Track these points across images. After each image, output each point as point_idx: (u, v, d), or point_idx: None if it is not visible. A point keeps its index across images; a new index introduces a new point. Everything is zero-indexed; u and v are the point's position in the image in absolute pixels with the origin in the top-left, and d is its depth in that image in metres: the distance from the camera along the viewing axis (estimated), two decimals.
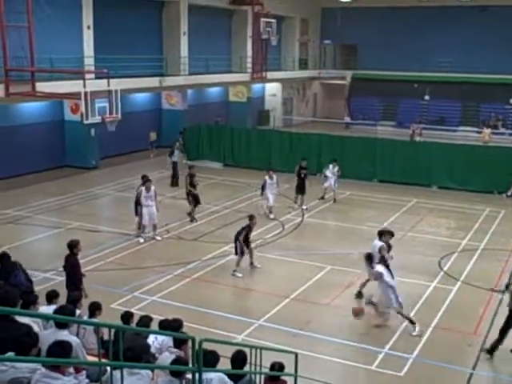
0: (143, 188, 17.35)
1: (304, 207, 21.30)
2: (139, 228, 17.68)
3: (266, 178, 20.13)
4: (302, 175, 21.61)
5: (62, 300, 9.20)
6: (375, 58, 42.28)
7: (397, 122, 41.54)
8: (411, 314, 12.79)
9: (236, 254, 15.03)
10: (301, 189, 21.52)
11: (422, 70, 40.60)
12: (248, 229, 15.22)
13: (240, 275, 14.85)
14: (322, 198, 22.78)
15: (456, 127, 39.82)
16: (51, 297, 8.52)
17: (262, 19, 35.52)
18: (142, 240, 17.32)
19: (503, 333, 11.18)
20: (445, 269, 15.75)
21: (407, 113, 41.48)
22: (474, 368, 10.89)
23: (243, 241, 15.03)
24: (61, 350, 5.10)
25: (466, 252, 17.12)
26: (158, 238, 17.65)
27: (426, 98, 42.29)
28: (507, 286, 12.48)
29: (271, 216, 19.90)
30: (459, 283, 14.80)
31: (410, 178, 24.91)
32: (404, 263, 16.05)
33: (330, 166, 22.80)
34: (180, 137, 30.31)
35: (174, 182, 24.26)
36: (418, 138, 33.93)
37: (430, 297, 13.99)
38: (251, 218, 15.38)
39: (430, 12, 41.27)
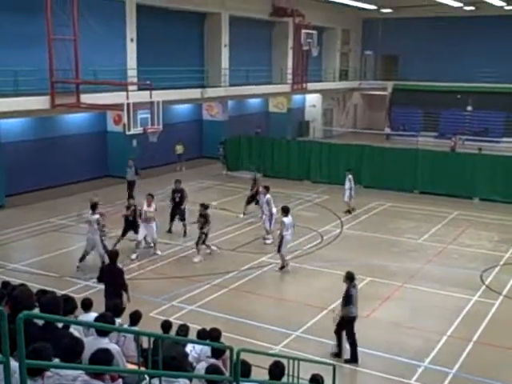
0: (145, 201, 17.13)
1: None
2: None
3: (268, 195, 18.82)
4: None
5: (99, 308, 9.35)
6: (416, 69, 41.92)
7: (438, 133, 41.04)
8: (452, 328, 12.63)
9: None
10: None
11: (464, 80, 40.05)
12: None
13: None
14: (349, 211, 22.07)
15: (499, 138, 39.12)
16: (86, 305, 8.63)
17: (303, 30, 35.65)
18: (133, 256, 16.76)
19: None
20: (486, 282, 15.47)
21: (449, 124, 40.95)
22: None
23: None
24: (105, 357, 5.21)
25: (508, 266, 16.79)
26: (159, 252, 17.22)
27: (469, 108, 41.69)
28: None
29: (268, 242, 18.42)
30: (501, 297, 14.52)
31: (452, 190, 24.58)
32: (444, 276, 15.88)
33: (349, 176, 22.18)
34: (221, 147, 30.58)
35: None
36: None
37: (471, 311, 13.75)
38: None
39: (472, 22, 40.72)
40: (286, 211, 15.92)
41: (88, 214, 16.06)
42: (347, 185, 22.17)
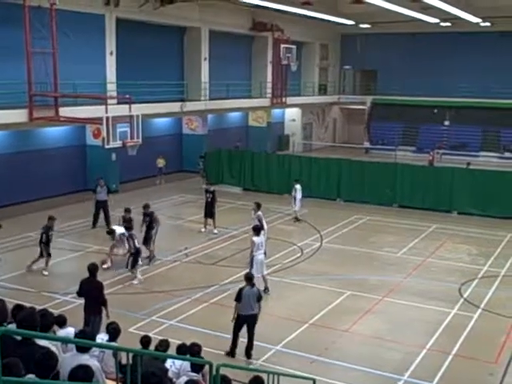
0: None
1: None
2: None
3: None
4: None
5: (79, 323, 9.24)
6: (395, 83, 42.35)
7: (417, 147, 41.45)
8: (431, 341, 12.69)
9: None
10: None
11: (441, 95, 40.60)
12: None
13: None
14: (297, 218, 23.00)
15: (477, 152, 39.60)
16: (60, 322, 8.47)
17: (282, 45, 35.91)
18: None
19: None
20: (465, 296, 15.58)
21: (427, 138, 41.38)
22: None
23: None
24: (84, 374, 5.13)
25: (486, 279, 16.93)
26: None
27: (446, 123, 42.20)
28: None
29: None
30: (480, 310, 14.62)
31: (430, 204, 24.79)
32: (424, 289, 15.97)
33: (297, 186, 23.07)
34: (201, 161, 30.56)
35: (96, 222, 21.36)
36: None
37: (450, 324, 13.83)
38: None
39: (450, 38, 41.32)
40: (256, 230, 15.53)
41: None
42: (298, 195, 22.90)
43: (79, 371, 5.12)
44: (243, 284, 12.15)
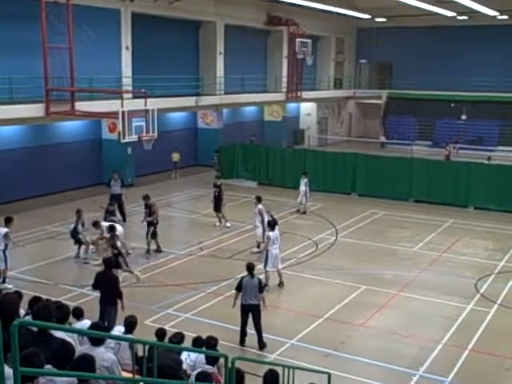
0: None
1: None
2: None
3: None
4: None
5: (94, 316, 9.30)
6: (411, 78, 42.07)
7: (433, 141, 41.18)
8: (447, 336, 12.64)
9: None
10: None
11: (458, 89, 40.20)
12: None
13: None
14: (298, 211, 23.22)
15: (494, 147, 39.25)
16: (77, 314, 8.55)
17: (298, 39, 35.81)
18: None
19: None
20: (481, 291, 15.47)
21: (443, 132, 41.08)
22: None
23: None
24: (87, 363, 5.14)
25: (503, 274, 16.80)
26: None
27: (463, 117, 41.85)
28: None
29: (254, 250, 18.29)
30: (496, 306, 14.52)
31: (447, 199, 24.63)
32: (439, 284, 15.89)
33: (301, 180, 23.23)
34: (215, 155, 30.59)
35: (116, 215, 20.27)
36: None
37: (466, 319, 13.75)
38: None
39: (467, 31, 40.97)
40: (272, 226, 15.65)
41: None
42: (303, 187, 22.98)
43: (82, 362, 5.11)
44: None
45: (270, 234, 15.37)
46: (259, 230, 18.14)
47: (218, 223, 21.13)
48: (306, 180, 23.13)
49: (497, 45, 40.41)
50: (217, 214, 21.16)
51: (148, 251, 17.94)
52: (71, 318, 7.58)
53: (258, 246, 18.12)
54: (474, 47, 41.22)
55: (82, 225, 17.47)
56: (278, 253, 15.58)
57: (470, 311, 14.21)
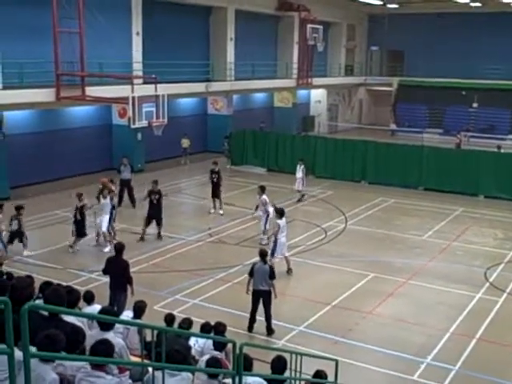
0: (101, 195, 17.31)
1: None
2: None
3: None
4: None
5: (104, 301, 9.36)
6: (422, 65, 41.80)
7: (444, 129, 40.93)
8: (455, 325, 12.64)
9: None
10: None
11: (470, 76, 39.86)
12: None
13: None
14: (300, 200, 23.00)
15: (505, 135, 38.97)
16: (88, 298, 8.62)
17: (309, 25, 35.61)
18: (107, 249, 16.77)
19: None
20: (490, 280, 15.44)
21: (454, 120, 40.78)
22: None
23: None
24: (105, 348, 5.22)
25: None
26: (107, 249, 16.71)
27: (475, 105, 41.54)
28: None
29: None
30: (505, 295, 14.49)
31: (457, 187, 24.51)
32: (448, 273, 15.87)
33: (297, 166, 23.16)
34: (226, 141, 30.55)
35: (121, 201, 20.99)
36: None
37: (475, 308, 13.74)
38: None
39: (479, 18, 40.57)
40: (280, 213, 15.62)
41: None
42: (300, 174, 22.89)
43: (99, 346, 5.20)
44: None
45: (279, 222, 15.39)
46: (263, 219, 18.00)
47: (212, 210, 21.03)
48: (302, 167, 23.05)
49: (509, 32, 40.00)
50: (214, 200, 20.99)
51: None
52: (81, 303, 7.64)
53: (264, 234, 18.00)
54: (486, 35, 40.79)
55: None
56: (285, 241, 15.61)
57: (478, 300, 14.19)
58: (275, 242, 15.35)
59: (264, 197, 18.01)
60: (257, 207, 18.49)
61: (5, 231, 15.49)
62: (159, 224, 17.95)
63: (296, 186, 23.10)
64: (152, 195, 17.85)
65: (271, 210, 17.53)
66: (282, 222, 15.46)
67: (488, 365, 11.22)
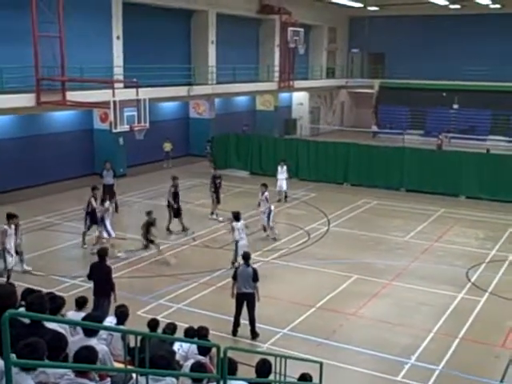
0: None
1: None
2: None
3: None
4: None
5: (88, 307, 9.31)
6: (403, 67, 42.06)
7: (425, 131, 41.25)
8: (438, 325, 12.73)
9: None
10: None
11: (450, 78, 40.24)
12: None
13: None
14: (279, 200, 23.25)
15: (486, 136, 39.35)
16: (80, 303, 8.57)
17: (290, 28, 35.70)
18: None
19: None
20: (472, 280, 15.58)
21: (436, 122, 41.15)
22: (501, 380, 10.74)
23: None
24: (88, 355, 5.19)
25: (494, 263, 16.90)
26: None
27: (455, 106, 41.92)
28: None
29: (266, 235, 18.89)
30: (487, 294, 14.63)
31: (438, 188, 24.71)
32: (431, 273, 15.98)
33: (279, 167, 23.49)
34: (208, 145, 30.52)
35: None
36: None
37: (458, 308, 13.85)
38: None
39: (459, 20, 40.94)
40: (235, 217, 15.92)
41: None
42: (283, 175, 23.26)
43: (84, 352, 5.17)
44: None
45: (234, 224, 15.82)
46: (264, 216, 18.54)
47: (220, 217, 20.56)
48: (285, 167, 23.34)
49: (488, 34, 40.37)
50: (217, 206, 20.97)
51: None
52: (69, 308, 7.58)
53: (265, 230, 18.70)
54: (466, 36, 41.18)
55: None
56: (246, 243, 15.83)
57: (461, 300, 14.31)
58: (236, 245, 15.75)
59: (266, 193, 18.77)
60: (259, 204, 19.03)
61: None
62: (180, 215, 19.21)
63: (279, 186, 23.29)
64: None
65: (273, 206, 18.81)
66: (238, 224, 15.81)
67: (471, 364, 11.31)
